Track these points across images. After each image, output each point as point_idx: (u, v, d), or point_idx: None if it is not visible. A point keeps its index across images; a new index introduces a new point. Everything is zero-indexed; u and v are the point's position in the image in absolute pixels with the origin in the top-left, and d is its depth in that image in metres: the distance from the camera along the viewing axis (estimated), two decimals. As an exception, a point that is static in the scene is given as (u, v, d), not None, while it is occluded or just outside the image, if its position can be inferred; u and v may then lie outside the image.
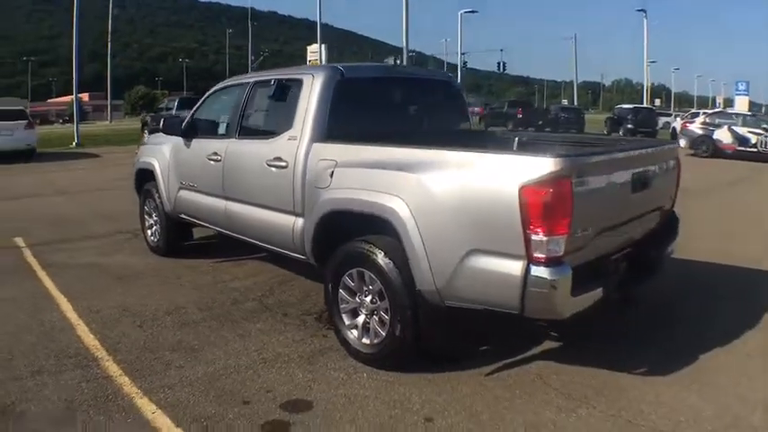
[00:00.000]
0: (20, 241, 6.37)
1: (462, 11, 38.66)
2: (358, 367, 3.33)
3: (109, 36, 42.83)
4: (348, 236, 3.49)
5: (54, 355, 3.44)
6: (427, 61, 69.17)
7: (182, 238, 5.82)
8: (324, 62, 36.59)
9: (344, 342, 3.52)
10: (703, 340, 3.64)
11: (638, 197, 3.40)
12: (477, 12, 39.41)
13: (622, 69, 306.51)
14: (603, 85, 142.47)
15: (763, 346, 3.61)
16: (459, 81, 5.03)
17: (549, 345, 3.65)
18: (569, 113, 30.12)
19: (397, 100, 4.63)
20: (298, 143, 3.89)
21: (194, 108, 5.33)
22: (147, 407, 2.86)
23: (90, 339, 3.67)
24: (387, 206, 3.23)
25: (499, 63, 49.34)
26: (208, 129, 5.06)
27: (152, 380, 3.14)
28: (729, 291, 4.68)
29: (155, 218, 5.84)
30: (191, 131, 5.15)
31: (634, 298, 4.17)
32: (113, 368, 3.27)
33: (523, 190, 2.76)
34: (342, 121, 3.93)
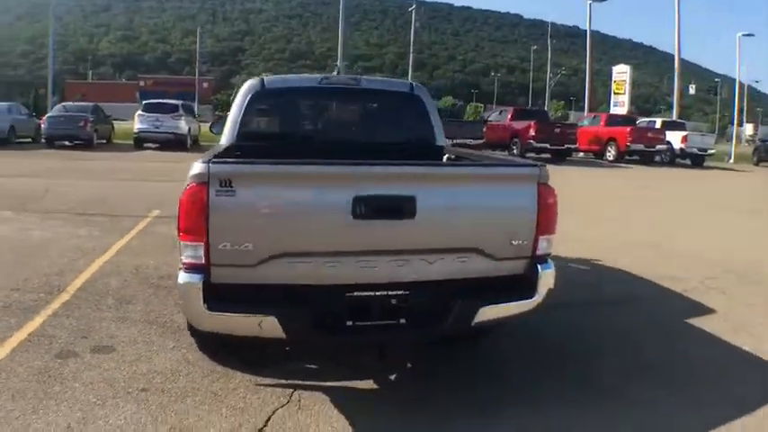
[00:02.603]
0: (155, 212, 8.93)
1: (740, 33, 38.55)
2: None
3: (411, 47, 50.19)
4: None
5: (44, 282, 5.33)
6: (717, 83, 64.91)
7: None
8: (629, 83, 39.57)
9: None
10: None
11: (378, 226, 3.12)
12: (753, 35, 39.19)
13: None
14: None
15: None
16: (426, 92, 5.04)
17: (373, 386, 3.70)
18: None
19: (328, 111, 5.08)
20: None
21: None
22: (38, 321, 4.37)
23: (80, 281, 5.43)
24: None
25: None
26: None
27: (68, 311, 4.64)
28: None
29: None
30: None
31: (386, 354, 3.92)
32: (63, 298, 4.93)
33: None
34: (253, 130, 4.62)
